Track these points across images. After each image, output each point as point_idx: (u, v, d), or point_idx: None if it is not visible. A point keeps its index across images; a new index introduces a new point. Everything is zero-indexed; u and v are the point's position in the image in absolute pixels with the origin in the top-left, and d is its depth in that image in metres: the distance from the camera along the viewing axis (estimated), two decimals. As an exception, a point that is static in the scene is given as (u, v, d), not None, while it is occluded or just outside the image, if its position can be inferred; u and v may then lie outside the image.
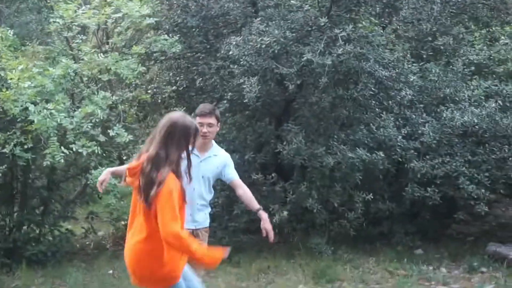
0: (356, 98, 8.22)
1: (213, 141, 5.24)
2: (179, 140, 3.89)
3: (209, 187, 5.21)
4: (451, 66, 8.85)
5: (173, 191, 3.78)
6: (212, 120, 5.04)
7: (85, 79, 8.41)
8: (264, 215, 5.03)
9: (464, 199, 8.29)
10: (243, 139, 8.96)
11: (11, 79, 7.17)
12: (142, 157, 3.90)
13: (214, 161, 5.13)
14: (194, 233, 5.02)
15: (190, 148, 4.00)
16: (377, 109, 8.47)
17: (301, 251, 8.35)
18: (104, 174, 4.85)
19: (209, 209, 5.30)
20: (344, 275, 7.47)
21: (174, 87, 9.13)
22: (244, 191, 5.20)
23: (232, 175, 5.23)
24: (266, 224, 4.97)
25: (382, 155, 7.86)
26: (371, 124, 8.20)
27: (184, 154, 3.96)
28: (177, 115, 4.07)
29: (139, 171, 3.85)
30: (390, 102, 8.48)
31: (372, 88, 8.13)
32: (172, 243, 3.74)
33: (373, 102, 8.47)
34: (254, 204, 5.16)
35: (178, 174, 3.88)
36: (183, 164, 3.96)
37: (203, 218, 5.21)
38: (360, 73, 8.06)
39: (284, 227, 8.41)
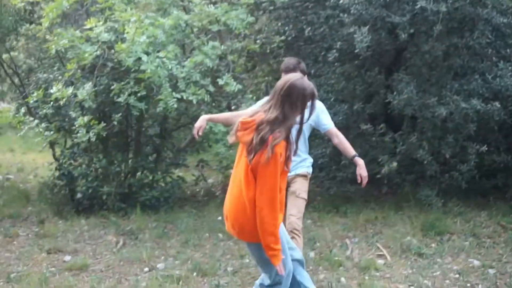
0: (472, 46, 8.12)
1: None
2: (296, 103, 3.96)
3: (305, 140, 5.42)
4: None
5: (279, 160, 3.85)
6: (297, 75, 5.14)
7: (195, 29, 8.72)
8: (360, 161, 5.19)
9: None
10: (352, 89, 9.03)
11: (127, 32, 7.54)
12: (258, 115, 4.00)
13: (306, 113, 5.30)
14: (289, 179, 5.19)
15: (305, 114, 4.06)
16: (493, 58, 8.31)
17: (410, 202, 8.46)
18: (200, 121, 5.14)
19: (309, 160, 5.50)
20: (454, 228, 7.51)
21: (282, 37, 9.21)
22: (339, 140, 5.38)
23: (327, 124, 5.41)
24: (361, 170, 5.14)
25: (498, 105, 7.75)
26: (486, 74, 8.06)
27: (298, 119, 4.03)
28: (295, 77, 4.11)
29: (253, 127, 3.95)
30: (508, 50, 8.29)
31: (489, 36, 8.00)
32: (261, 219, 3.91)
33: (490, 50, 8.31)
34: (350, 151, 5.32)
35: (288, 140, 3.97)
36: (294, 129, 4.04)
37: (301, 166, 5.44)
38: (476, 20, 7.98)
39: (393, 178, 8.47)
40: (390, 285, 5.82)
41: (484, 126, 8.22)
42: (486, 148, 8.00)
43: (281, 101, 3.94)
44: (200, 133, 5.17)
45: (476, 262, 6.40)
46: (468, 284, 5.84)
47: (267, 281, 4.36)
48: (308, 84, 4.05)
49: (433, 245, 7.01)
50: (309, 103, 4.04)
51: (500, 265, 6.35)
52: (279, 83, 4.05)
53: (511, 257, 6.58)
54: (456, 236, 7.28)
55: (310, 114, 4.10)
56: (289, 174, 5.09)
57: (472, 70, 8.38)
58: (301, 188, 5.47)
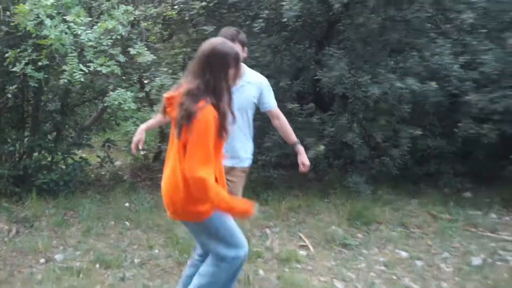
0: (410, 20, 8.39)
1: (245, 66, 5.44)
2: (218, 69, 4.12)
3: (248, 120, 5.49)
4: (520, -15, 8.78)
5: (209, 125, 3.98)
6: (236, 47, 5.02)
7: (104, -9, 8.67)
8: (301, 149, 5.44)
9: (524, 138, 8.32)
10: (279, 63, 9.14)
11: (26, -9, 7.45)
12: (181, 88, 4.19)
13: (249, 90, 5.40)
14: (228, 169, 5.26)
15: (231, 80, 4.24)
16: (432, 34, 8.59)
17: (337, 189, 8.69)
18: (138, 134, 5.26)
19: (251, 147, 5.60)
20: (382, 218, 7.85)
21: (203, 3, 9.12)
22: (281, 122, 5.57)
23: (268, 103, 5.55)
24: (303, 158, 5.40)
25: (435, 85, 7.99)
26: (424, 51, 8.35)
27: (224, 85, 4.18)
28: (216, 41, 4.26)
29: (176, 101, 4.14)
30: (448, 25, 8.61)
31: (429, 10, 8.28)
32: (193, 187, 4.04)
33: (429, 25, 8.62)
34: (292, 137, 5.54)
35: (218, 108, 4.09)
36: (224, 98, 4.18)
37: (242, 156, 5.52)
38: (416, -9, 8.17)
39: (320, 163, 8.66)
40: (311, 278, 6.11)
41: (420, 108, 8.54)
42: (420, 132, 8.30)
43: (203, 68, 4.11)
44: (140, 147, 5.29)
45: (404, 254, 6.79)
46: (394, 277, 6.21)
47: (209, 261, 4.54)
48: (230, 47, 4.24)
49: (359, 235, 7.36)
50: (234, 68, 4.24)
51: (428, 256, 6.76)
52: (200, 48, 4.20)
53: (440, 248, 7.00)
54: (384, 226, 7.63)
55: (235, 79, 4.33)
56: (226, 164, 5.20)
57: (409, 46, 8.66)
58: (238, 189, 5.56)
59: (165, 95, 4.27)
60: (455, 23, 8.65)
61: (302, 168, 5.43)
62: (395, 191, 8.81)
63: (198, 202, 4.19)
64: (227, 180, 5.20)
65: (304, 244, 7.06)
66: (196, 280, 4.55)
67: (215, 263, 4.47)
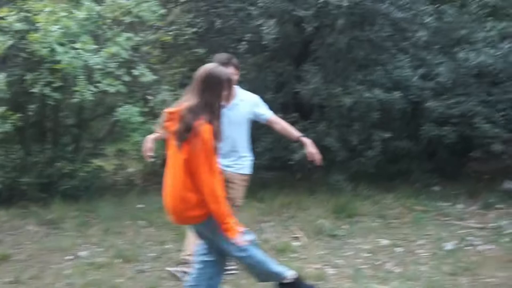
0: (372, 39, 8.31)
1: (237, 87, 5.26)
2: (214, 89, 4.01)
3: (244, 133, 5.29)
4: (466, 8, 8.84)
5: (210, 141, 3.88)
6: (230, 70, 4.96)
7: (108, 21, 8.50)
8: (307, 140, 5.12)
9: (480, 138, 8.38)
10: (263, 79, 9.00)
11: (39, 22, 7.26)
12: (182, 105, 4.03)
13: (242, 107, 5.21)
14: (228, 176, 5.13)
15: (224, 100, 4.13)
16: (393, 50, 8.52)
17: (322, 187, 8.57)
18: (146, 143, 5.10)
19: (249, 157, 5.37)
20: (363, 210, 7.70)
21: (194, 29, 9.10)
22: (281, 125, 5.33)
23: (265, 114, 5.32)
24: (310, 148, 5.06)
25: (399, 94, 7.94)
26: (387, 65, 8.28)
27: (218, 104, 4.05)
28: (210, 66, 4.17)
29: (177, 116, 3.98)
30: (405, 43, 8.51)
31: (388, 30, 8.21)
32: (208, 195, 3.91)
33: (389, 43, 8.52)
34: (294, 134, 5.27)
35: (213, 125, 3.96)
36: (218, 116, 4.06)
37: (241, 164, 5.32)
38: (376, 15, 8.13)
39: (305, 164, 8.35)
40: (306, 265, 5.87)
41: (387, 114, 8.43)
42: (391, 135, 8.22)
43: (201, 89, 4.00)
44: (150, 154, 5.12)
45: (385, 241, 6.59)
46: (378, 262, 6.00)
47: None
48: (223, 71, 4.15)
49: (344, 226, 7.16)
50: (227, 89, 4.13)
51: (406, 243, 6.57)
52: (198, 72, 4.10)
53: (416, 236, 6.82)
54: (366, 217, 7.47)
55: (228, 99, 4.30)
56: (228, 170, 5.13)
57: (374, 62, 8.58)
58: (239, 195, 5.38)
59: (167, 110, 4.14)
60: (411, 41, 8.54)
61: (311, 158, 5.08)
62: (373, 187, 8.64)
63: (196, 208, 4.05)
64: (228, 186, 5.10)
65: (297, 236, 6.85)
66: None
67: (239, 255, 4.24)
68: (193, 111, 3.93)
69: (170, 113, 4.08)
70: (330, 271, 5.77)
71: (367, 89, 8.12)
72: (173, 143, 4.08)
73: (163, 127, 4.19)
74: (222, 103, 4.12)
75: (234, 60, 5.22)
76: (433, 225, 7.22)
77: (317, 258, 6.13)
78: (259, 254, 4.32)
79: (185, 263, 5.51)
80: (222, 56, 5.24)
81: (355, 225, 7.18)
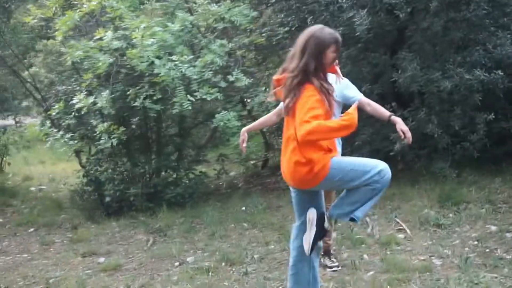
0: (469, 18, 7.99)
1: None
2: (315, 51, 3.91)
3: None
4: None
5: (311, 96, 3.84)
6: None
7: (202, 29, 8.70)
8: (397, 119, 4.91)
9: None
10: (358, 71, 8.91)
11: (135, 38, 7.52)
12: (285, 70, 4.03)
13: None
14: None
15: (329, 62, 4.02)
16: (492, 28, 8.17)
17: (425, 176, 8.36)
18: (241, 135, 5.10)
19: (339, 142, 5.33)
20: (469, 197, 7.42)
21: (286, 28, 9.12)
22: (372, 107, 5.18)
23: (355, 96, 5.20)
24: (402, 126, 4.79)
25: (501, 73, 7.62)
26: (487, 44, 7.92)
27: (320, 66, 3.96)
28: (315, 27, 4.07)
29: (283, 82, 4.00)
30: (505, 19, 8.16)
31: (485, 7, 7.87)
32: (310, 139, 3.80)
33: (487, 21, 8.18)
34: (385, 114, 5.09)
35: (319, 87, 3.91)
36: (321, 76, 3.99)
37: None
38: (471, -8, 7.83)
39: (407, 154, 8.38)
40: (411, 257, 5.76)
41: (490, 95, 8.06)
42: (494, 116, 7.86)
43: (302, 52, 3.93)
44: (245, 145, 5.10)
45: (493, 228, 6.33)
46: (487, 250, 5.77)
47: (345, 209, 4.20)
48: (329, 33, 4.00)
49: (450, 215, 6.94)
50: (332, 51, 3.98)
51: (518, 228, 6.28)
52: (301, 35, 4.04)
53: (528, 220, 6.51)
54: (472, 204, 7.20)
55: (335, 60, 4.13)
56: None
57: (472, 42, 8.25)
58: None
59: (274, 77, 4.12)
60: (511, 16, 8.13)
61: (403, 136, 4.84)
62: (478, 172, 8.34)
63: (312, 165, 3.95)
64: None
65: (401, 228, 6.72)
66: (345, 200, 4.22)
67: (363, 189, 4.09)
68: (295, 74, 3.91)
69: (277, 79, 4.09)
70: (437, 261, 5.61)
71: (467, 71, 7.82)
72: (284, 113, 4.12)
73: (272, 95, 4.18)
74: (327, 65, 4.03)
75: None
76: (546, 207, 6.87)
77: (423, 249, 5.98)
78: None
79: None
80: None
81: (462, 213, 6.92)
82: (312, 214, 4.23)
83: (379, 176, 4.03)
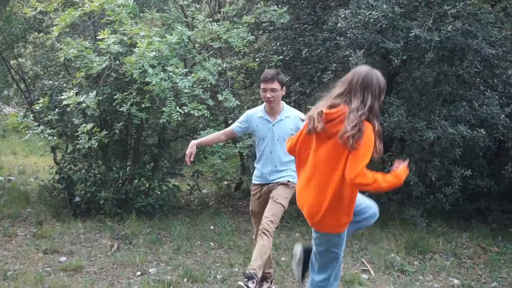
0: (461, 75, 8.18)
1: (284, 104, 5.51)
2: (376, 93, 4.04)
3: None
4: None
5: (372, 139, 3.95)
6: (275, 85, 5.30)
7: (197, 45, 8.79)
8: None
9: None
10: (346, 110, 9.03)
11: (139, 47, 7.54)
12: (339, 107, 4.04)
13: (287, 123, 5.42)
14: (270, 186, 5.51)
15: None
16: (481, 87, 8.35)
17: (396, 221, 8.46)
18: (190, 147, 5.43)
19: (292, 168, 5.38)
20: (436, 248, 7.55)
21: (280, 57, 9.24)
22: None
23: None
24: None
25: (484, 132, 7.77)
26: (474, 101, 8.09)
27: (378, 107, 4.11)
28: (369, 68, 4.14)
29: (340, 118, 4.01)
30: (495, 80, 8.35)
31: (478, 66, 8.05)
32: (358, 181, 3.88)
33: (478, 79, 8.38)
34: None
35: (374, 125, 4.02)
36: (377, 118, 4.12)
37: (283, 175, 5.51)
38: (467, 50, 8.03)
39: (380, 197, 8.33)
40: (372, 299, 5.85)
41: (469, 151, 8.25)
42: (470, 173, 8.02)
43: (363, 91, 4.02)
44: (192, 159, 5.46)
45: (456, 281, 6.43)
46: (448, 303, 5.88)
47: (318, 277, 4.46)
48: (381, 76, 4.15)
49: (415, 263, 7.05)
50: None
51: (479, 285, 6.41)
52: (354, 75, 4.09)
53: (490, 278, 6.64)
54: (438, 255, 7.32)
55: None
56: (270, 180, 5.52)
57: (460, 97, 8.43)
58: (281, 194, 5.50)
59: (324, 110, 4.11)
60: (501, 78, 8.34)
61: None
62: (448, 224, 8.51)
63: (344, 215, 4.16)
64: (273, 192, 5.52)
65: (366, 268, 6.80)
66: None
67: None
68: (359, 113, 3.96)
69: (329, 113, 4.09)
70: (397, 307, 5.72)
71: (451, 124, 7.98)
72: (320, 145, 4.18)
73: (315, 127, 4.14)
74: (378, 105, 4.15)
75: (281, 76, 5.43)
76: (509, 268, 7.00)
77: (385, 293, 6.05)
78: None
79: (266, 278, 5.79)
80: (269, 71, 5.49)
81: (427, 262, 7.03)
82: (299, 251, 4.60)
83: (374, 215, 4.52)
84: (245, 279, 5.08)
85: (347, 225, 4.23)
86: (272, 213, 5.41)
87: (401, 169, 4.14)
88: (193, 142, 5.54)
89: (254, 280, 5.07)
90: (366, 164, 3.90)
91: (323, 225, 4.22)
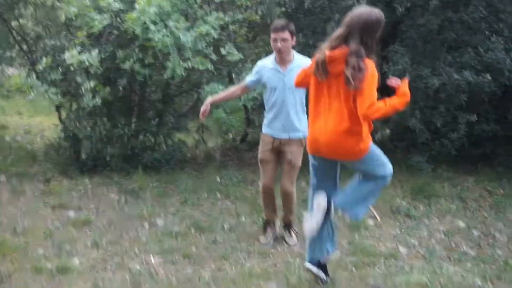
0: (465, 20, 8.17)
1: (294, 52, 5.53)
2: (373, 32, 4.19)
3: (300, 98, 5.49)
4: None
5: (376, 75, 4.14)
6: (286, 35, 5.33)
7: (198, 0, 8.73)
8: None
9: None
10: (350, 59, 9.03)
11: (139, 3, 7.52)
12: (338, 49, 4.20)
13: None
14: (283, 142, 5.52)
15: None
16: (486, 32, 8.33)
17: (402, 168, 8.45)
18: (204, 105, 5.52)
19: (304, 121, 5.44)
20: (442, 192, 7.63)
21: (283, 8, 9.16)
22: None
23: None
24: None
25: (489, 77, 7.80)
26: (479, 47, 8.09)
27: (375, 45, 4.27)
28: (369, 10, 4.27)
29: (341, 58, 4.17)
30: (500, 24, 8.31)
31: (483, 11, 8.03)
32: (371, 114, 4.08)
33: (483, 24, 8.34)
34: None
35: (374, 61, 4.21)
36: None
37: (297, 128, 5.53)
38: (472, -5, 7.97)
39: (386, 145, 8.51)
40: (379, 243, 5.95)
41: (475, 97, 8.26)
42: (476, 118, 8.07)
43: (360, 32, 4.14)
44: (205, 114, 5.58)
45: (461, 224, 6.54)
46: (453, 244, 6.00)
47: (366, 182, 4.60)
48: (379, 13, 4.26)
49: (421, 207, 7.15)
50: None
51: (484, 227, 6.52)
52: (355, 15, 4.22)
53: (495, 220, 6.76)
54: (444, 199, 7.41)
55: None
56: (283, 137, 5.50)
57: (465, 44, 8.41)
58: (296, 156, 5.60)
59: (327, 53, 4.24)
60: (506, 22, 8.32)
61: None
62: (453, 169, 8.56)
63: (359, 139, 4.31)
64: (287, 151, 5.53)
65: (372, 214, 6.86)
66: (353, 194, 4.68)
67: (374, 181, 4.56)
68: (359, 54, 4.10)
69: (330, 56, 4.23)
70: (403, 250, 5.82)
71: (456, 71, 8.00)
72: (321, 87, 4.37)
73: (321, 71, 4.30)
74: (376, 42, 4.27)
75: (291, 26, 5.44)
76: (514, 209, 7.09)
77: (391, 237, 6.18)
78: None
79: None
80: (279, 21, 5.57)
81: (432, 207, 7.13)
82: (322, 200, 4.61)
83: (390, 173, 4.55)
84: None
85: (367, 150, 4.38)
86: (291, 180, 5.67)
87: (403, 86, 4.30)
88: (208, 100, 5.63)
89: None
90: (375, 99, 4.08)
91: (343, 153, 4.40)
